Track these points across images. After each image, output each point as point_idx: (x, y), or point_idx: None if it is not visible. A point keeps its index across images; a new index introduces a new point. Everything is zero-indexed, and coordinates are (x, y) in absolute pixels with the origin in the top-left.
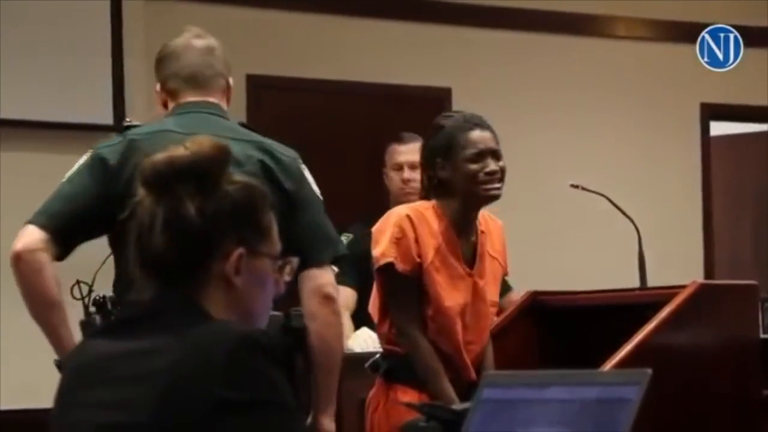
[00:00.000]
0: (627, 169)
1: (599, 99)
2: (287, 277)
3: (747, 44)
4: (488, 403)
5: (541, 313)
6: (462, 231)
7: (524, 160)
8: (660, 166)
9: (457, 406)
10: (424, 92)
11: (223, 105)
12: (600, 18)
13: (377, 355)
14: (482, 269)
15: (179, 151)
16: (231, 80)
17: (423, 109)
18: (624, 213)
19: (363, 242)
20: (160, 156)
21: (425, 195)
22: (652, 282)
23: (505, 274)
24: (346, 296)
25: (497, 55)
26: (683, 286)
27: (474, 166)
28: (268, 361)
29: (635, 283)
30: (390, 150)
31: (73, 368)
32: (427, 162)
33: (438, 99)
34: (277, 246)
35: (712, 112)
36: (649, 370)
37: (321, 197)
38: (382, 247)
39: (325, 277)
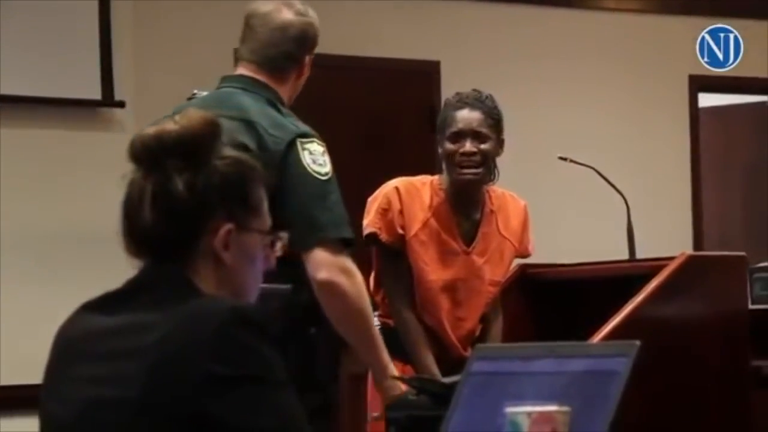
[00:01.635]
0: (616, 141)
1: (588, 71)
2: (278, 252)
3: (735, 16)
4: (477, 376)
5: (530, 287)
6: (460, 207)
7: (512, 133)
8: (649, 138)
9: (447, 379)
10: (412, 65)
11: (272, 82)
12: None
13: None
14: (483, 247)
15: (168, 125)
16: (307, 57)
17: (412, 82)
18: (612, 185)
19: None
20: (149, 130)
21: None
22: (641, 254)
23: (525, 255)
24: None
25: (486, 28)
26: (672, 258)
27: (451, 146)
28: (259, 335)
29: (624, 255)
30: None
31: (63, 343)
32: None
33: (427, 72)
34: (266, 221)
35: (700, 83)
36: (638, 342)
37: (319, 175)
38: (369, 217)
39: (312, 263)
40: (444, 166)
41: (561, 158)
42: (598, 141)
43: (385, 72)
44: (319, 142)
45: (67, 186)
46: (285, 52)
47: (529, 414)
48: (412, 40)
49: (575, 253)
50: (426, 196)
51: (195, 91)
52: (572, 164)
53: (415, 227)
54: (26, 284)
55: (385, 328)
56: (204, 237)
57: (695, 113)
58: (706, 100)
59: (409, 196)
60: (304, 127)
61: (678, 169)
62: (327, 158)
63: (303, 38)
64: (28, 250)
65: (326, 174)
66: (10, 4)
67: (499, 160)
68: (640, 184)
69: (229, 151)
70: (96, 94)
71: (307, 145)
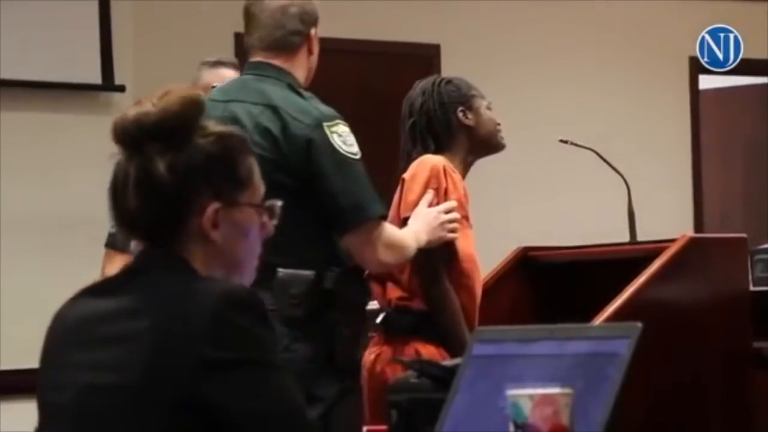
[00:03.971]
0: (616, 123)
1: (588, 54)
2: (274, 221)
3: None
4: (478, 358)
5: (531, 269)
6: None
7: (513, 115)
8: (650, 119)
9: (448, 362)
10: (413, 49)
11: (286, 63)
12: None
13: (384, 312)
14: None
15: (147, 107)
16: (313, 31)
17: (412, 65)
18: (613, 168)
19: None
20: (129, 113)
21: (413, 151)
22: (642, 236)
23: None
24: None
25: (486, 11)
26: (673, 240)
27: (492, 114)
28: (252, 318)
29: (625, 237)
30: None
31: (59, 328)
32: (440, 112)
33: (427, 56)
34: (258, 193)
35: (701, 65)
36: (640, 324)
37: (352, 156)
38: (416, 195)
39: (360, 242)
40: (483, 134)
41: (562, 141)
42: (598, 123)
43: (384, 55)
44: (344, 123)
45: (66, 170)
46: (292, 30)
47: (531, 396)
48: (412, 24)
49: (576, 235)
50: (455, 174)
51: (215, 85)
52: (573, 146)
53: (464, 203)
54: (25, 269)
55: (409, 312)
56: (191, 218)
57: (696, 94)
58: (707, 81)
59: (449, 176)
60: (327, 110)
61: (679, 151)
62: (353, 138)
63: (304, 13)
64: (27, 234)
65: (357, 153)
66: None
67: None
68: (640, 166)
69: (213, 127)
70: (96, 78)
71: (334, 128)
